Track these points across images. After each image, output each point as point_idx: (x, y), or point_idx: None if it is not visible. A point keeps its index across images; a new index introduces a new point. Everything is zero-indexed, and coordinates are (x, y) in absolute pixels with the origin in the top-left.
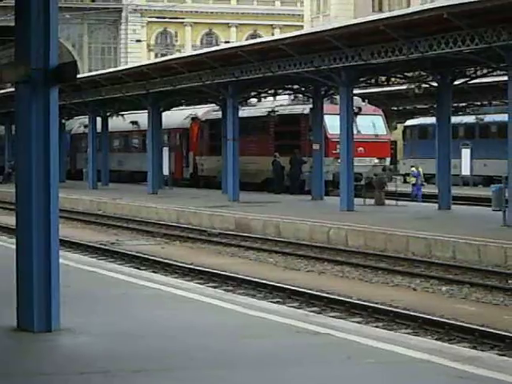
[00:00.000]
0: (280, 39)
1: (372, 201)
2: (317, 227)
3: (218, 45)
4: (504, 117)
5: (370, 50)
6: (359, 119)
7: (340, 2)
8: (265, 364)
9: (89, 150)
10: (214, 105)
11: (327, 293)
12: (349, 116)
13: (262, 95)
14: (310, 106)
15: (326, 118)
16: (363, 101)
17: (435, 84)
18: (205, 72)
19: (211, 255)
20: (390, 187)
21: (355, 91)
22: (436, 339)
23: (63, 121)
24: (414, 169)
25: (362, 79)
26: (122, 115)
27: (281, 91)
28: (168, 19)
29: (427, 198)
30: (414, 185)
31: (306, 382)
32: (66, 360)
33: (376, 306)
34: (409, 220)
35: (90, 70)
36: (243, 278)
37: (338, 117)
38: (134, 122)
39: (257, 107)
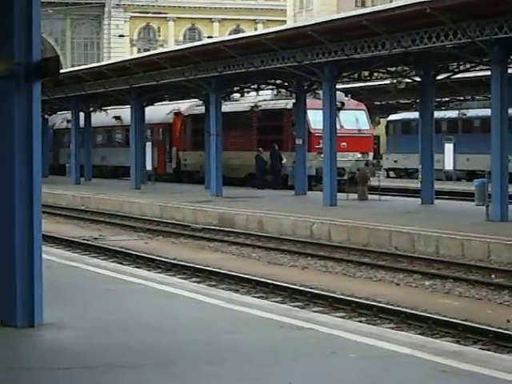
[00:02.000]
0: (263, 34)
1: (355, 196)
2: (300, 222)
3: (200, 40)
4: (487, 111)
5: (353, 45)
6: (342, 114)
7: None
8: (249, 359)
9: (72, 145)
10: (197, 100)
11: (310, 288)
12: (332, 111)
13: (245, 90)
14: (293, 100)
15: (309, 113)
16: (346, 96)
17: (418, 79)
18: (188, 67)
19: (194, 250)
20: (373, 182)
21: (338, 86)
22: (419, 334)
23: (46, 116)
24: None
25: (344, 74)
26: (105, 110)
27: (264, 86)
28: (151, 14)
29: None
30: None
31: (290, 376)
32: (51, 355)
33: (359, 300)
34: (392, 215)
35: (72, 65)
36: (226, 273)
37: (321, 112)
38: (117, 117)
39: (240, 102)
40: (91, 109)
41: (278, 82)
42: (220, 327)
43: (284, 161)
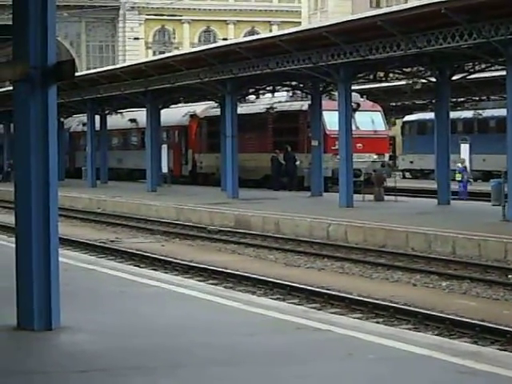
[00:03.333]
0: (278, 36)
1: (371, 197)
2: (316, 223)
3: (215, 42)
4: (503, 111)
5: (368, 46)
6: (358, 115)
7: None
8: (266, 361)
9: (87, 148)
10: (212, 102)
11: (327, 289)
12: (347, 112)
13: (261, 92)
14: (309, 102)
15: (325, 115)
16: (362, 97)
17: (434, 79)
18: (203, 69)
19: (211, 252)
20: (389, 183)
21: (354, 87)
22: (436, 334)
23: (62, 119)
24: (459, 164)
25: (360, 75)
26: (121, 113)
27: (279, 88)
28: (166, 17)
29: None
30: (460, 181)
31: (307, 378)
32: (67, 358)
33: (376, 301)
34: (408, 215)
35: (88, 68)
36: (243, 275)
37: (336, 113)
38: (132, 120)
39: (255, 104)
40: (107, 112)
41: (294, 83)
42: (237, 329)
43: (298, 162)
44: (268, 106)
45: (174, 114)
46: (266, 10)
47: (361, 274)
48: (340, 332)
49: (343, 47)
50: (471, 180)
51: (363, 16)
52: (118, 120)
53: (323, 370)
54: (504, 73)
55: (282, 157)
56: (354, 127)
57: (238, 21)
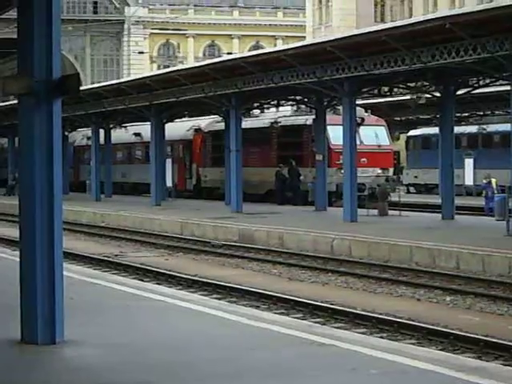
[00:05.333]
0: (282, 50)
1: (375, 211)
2: (320, 238)
3: (220, 56)
4: (507, 126)
5: (373, 61)
6: (362, 130)
7: (342, 12)
8: (270, 375)
9: (92, 161)
10: (216, 116)
11: (331, 304)
12: (352, 126)
13: (265, 106)
14: (313, 116)
15: (329, 129)
16: (366, 111)
17: (438, 94)
18: (207, 83)
19: (215, 267)
20: (394, 198)
21: (358, 102)
22: (440, 349)
23: (66, 133)
24: (484, 180)
25: (364, 90)
26: (125, 127)
27: (283, 102)
28: (170, 31)
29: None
30: (486, 197)
31: None
32: (71, 372)
33: (380, 316)
34: (412, 230)
35: (92, 82)
36: (247, 290)
37: (340, 127)
38: (136, 134)
39: (260, 118)
40: (111, 125)
41: (298, 97)
42: (241, 344)
43: (302, 177)
44: (272, 121)
45: (178, 128)
46: (270, 25)
47: (365, 289)
48: (344, 347)
49: (348, 62)
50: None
51: (368, 31)
52: (122, 134)
53: None
54: (508, 88)
55: (287, 171)
56: (358, 142)
57: (242, 35)
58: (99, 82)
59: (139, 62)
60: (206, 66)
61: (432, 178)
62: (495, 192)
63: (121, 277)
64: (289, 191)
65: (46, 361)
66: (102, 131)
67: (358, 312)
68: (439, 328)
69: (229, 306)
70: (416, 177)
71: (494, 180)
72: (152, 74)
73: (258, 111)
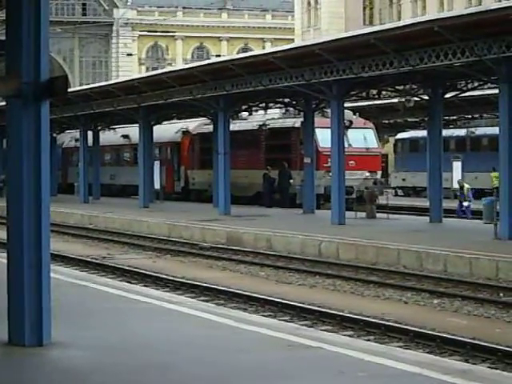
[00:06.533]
0: (271, 53)
1: (363, 214)
2: (308, 241)
3: (209, 58)
4: (495, 130)
5: (361, 64)
6: (350, 132)
7: (331, 15)
8: (257, 378)
9: (80, 163)
10: (205, 118)
11: (319, 306)
12: (340, 129)
13: (253, 109)
14: (301, 119)
15: (317, 132)
16: (354, 114)
17: (426, 97)
18: (196, 86)
19: (203, 269)
20: (382, 200)
21: (346, 104)
22: (427, 352)
23: (54, 135)
24: (457, 185)
25: (353, 92)
26: (114, 129)
27: (272, 105)
28: (159, 33)
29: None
30: (459, 200)
31: None
32: (59, 374)
33: (367, 319)
34: (400, 233)
35: (81, 84)
36: (235, 292)
37: (329, 130)
38: (125, 136)
39: (248, 121)
40: (99, 127)
41: (286, 100)
42: (228, 346)
43: (292, 180)
44: (261, 123)
45: (166, 131)
46: (259, 27)
47: (352, 292)
48: (331, 349)
49: (336, 64)
50: (469, 201)
51: (356, 33)
52: (110, 136)
53: None
54: (496, 91)
55: (277, 173)
56: (346, 144)
57: (231, 37)
58: (88, 84)
59: (128, 64)
60: (194, 69)
61: (420, 180)
62: (467, 197)
63: (108, 279)
64: (277, 193)
65: (34, 363)
66: (90, 133)
67: (345, 315)
68: (426, 331)
69: (216, 308)
70: (404, 180)
71: (466, 185)
72: (140, 76)
73: (247, 114)
